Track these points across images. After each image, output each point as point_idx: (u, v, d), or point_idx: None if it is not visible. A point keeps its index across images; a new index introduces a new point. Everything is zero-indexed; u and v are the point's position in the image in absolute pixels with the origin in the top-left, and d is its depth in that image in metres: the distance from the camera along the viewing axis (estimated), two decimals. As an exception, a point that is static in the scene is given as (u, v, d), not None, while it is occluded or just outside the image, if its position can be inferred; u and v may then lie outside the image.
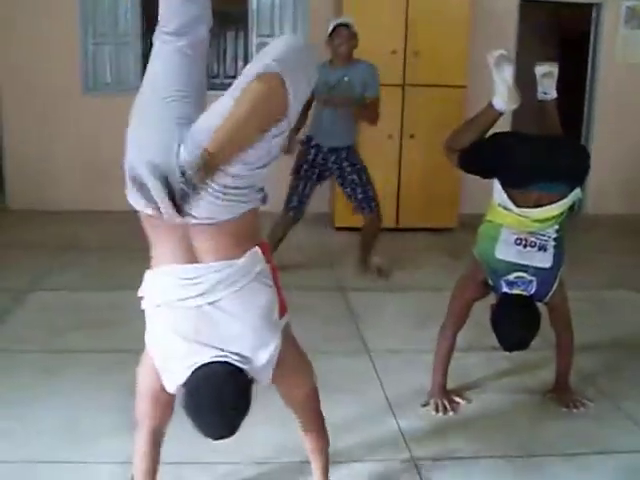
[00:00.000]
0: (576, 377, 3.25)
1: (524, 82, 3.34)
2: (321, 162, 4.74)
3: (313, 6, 6.53)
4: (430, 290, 4.39)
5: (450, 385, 3.11)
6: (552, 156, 2.82)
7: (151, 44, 1.94)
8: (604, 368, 3.47)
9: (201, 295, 1.85)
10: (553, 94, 3.11)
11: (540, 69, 3.12)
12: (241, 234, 1.89)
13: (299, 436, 2.26)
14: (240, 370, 1.86)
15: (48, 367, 3.31)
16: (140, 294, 1.96)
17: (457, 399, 3.07)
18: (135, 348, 3.45)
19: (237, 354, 1.86)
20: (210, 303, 1.85)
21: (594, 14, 6.93)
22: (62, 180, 6.66)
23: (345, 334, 3.81)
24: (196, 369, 1.84)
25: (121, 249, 5.26)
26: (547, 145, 2.91)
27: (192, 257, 1.87)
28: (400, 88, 6.05)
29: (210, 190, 1.76)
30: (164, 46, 1.89)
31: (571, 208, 2.92)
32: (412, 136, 6.10)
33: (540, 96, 3.13)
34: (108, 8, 6.48)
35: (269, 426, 2.71)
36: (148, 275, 1.95)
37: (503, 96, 2.84)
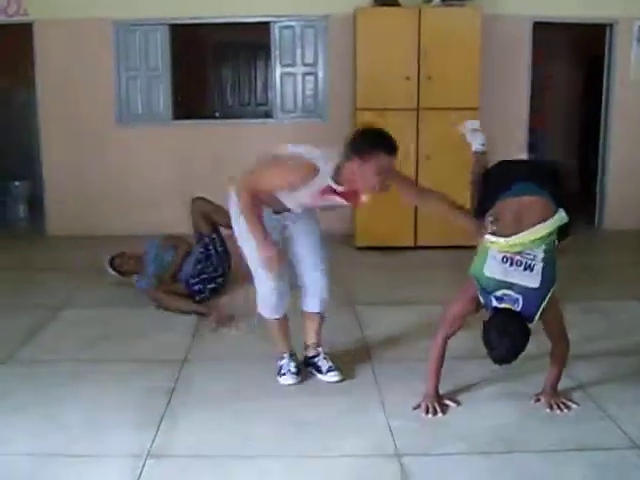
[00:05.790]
0: (567, 382, 3.40)
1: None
2: None
3: (331, 37, 6.84)
4: (439, 304, 4.54)
5: (445, 389, 3.30)
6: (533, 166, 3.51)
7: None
8: (597, 374, 3.57)
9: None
10: (483, 147, 3.66)
11: (470, 124, 3.76)
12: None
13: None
14: None
15: (75, 374, 3.62)
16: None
17: (447, 402, 3.25)
18: (155, 357, 3.78)
19: None
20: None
21: (607, 34, 7.11)
22: (96, 207, 7.05)
23: (352, 344, 4.03)
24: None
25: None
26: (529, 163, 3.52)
27: None
28: (415, 112, 6.30)
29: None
30: None
31: (560, 236, 3.11)
32: (428, 157, 6.34)
33: (476, 149, 3.66)
34: (139, 44, 6.91)
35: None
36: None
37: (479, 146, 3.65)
